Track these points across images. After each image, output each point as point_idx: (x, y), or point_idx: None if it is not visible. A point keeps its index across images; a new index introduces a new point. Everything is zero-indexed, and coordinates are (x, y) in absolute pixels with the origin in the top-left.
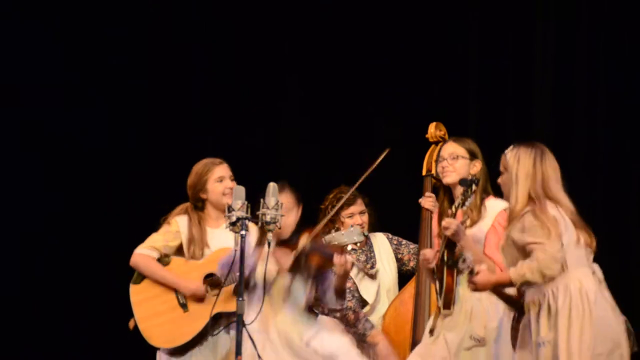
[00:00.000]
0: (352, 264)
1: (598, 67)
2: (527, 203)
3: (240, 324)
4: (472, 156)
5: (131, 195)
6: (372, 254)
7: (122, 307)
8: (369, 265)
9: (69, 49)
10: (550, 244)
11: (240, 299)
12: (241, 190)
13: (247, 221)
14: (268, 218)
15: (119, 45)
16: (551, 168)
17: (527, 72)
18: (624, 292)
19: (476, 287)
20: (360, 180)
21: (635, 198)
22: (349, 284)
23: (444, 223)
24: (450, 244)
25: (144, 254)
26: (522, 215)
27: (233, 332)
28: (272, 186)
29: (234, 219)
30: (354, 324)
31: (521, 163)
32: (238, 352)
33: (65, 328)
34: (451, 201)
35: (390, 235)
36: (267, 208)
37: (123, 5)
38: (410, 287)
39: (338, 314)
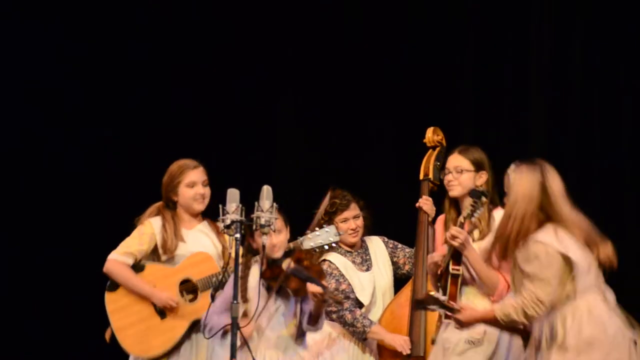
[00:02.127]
0: (324, 294)
1: (594, 71)
2: (533, 225)
3: (235, 327)
4: (478, 168)
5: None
6: (368, 257)
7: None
8: (340, 295)
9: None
10: (542, 286)
11: (235, 302)
12: (235, 193)
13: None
14: (263, 221)
15: (117, 45)
16: (556, 185)
17: (524, 76)
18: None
19: (462, 326)
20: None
21: (629, 204)
22: (344, 286)
23: (452, 232)
24: (456, 253)
25: (118, 261)
26: (529, 242)
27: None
28: (266, 189)
29: (228, 221)
30: (352, 324)
31: (523, 184)
32: (233, 355)
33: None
34: (458, 212)
35: (386, 239)
36: (262, 211)
37: (119, 8)
38: (407, 290)
39: (334, 315)
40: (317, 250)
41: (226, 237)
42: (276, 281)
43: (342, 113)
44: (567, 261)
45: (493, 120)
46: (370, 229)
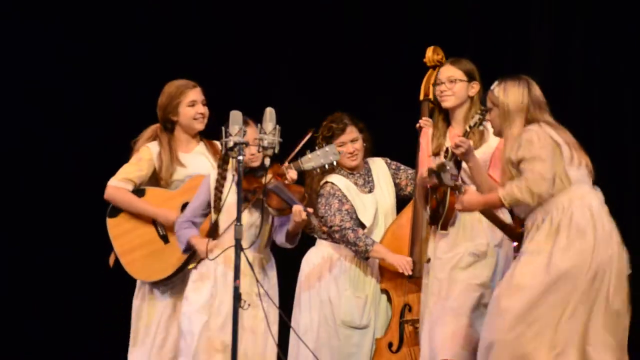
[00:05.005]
0: (308, 216)
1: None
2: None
3: (239, 249)
4: (470, 78)
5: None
6: (371, 179)
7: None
8: (323, 220)
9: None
10: (541, 163)
11: (238, 223)
12: (238, 115)
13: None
14: (265, 143)
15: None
16: (539, 96)
17: None
18: None
19: (463, 207)
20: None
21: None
22: (347, 207)
23: (457, 141)
24: (456, 163)
25: (118, 187)
26: (519, 134)
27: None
28: (269, 111)
29: (231, 144)
30: (354, 243)
31: (510, 95)
32: (236, 276)
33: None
34: (448, 124)
35: (389, 160)
36: (265, 133)
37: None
38: (408, 211)
39: (337, 235)
40: (319, 170)
41: None
42: (253, 195)
43: (342, 35)
44: (558, 146)
45: (495, 38)
46: (372, 151)
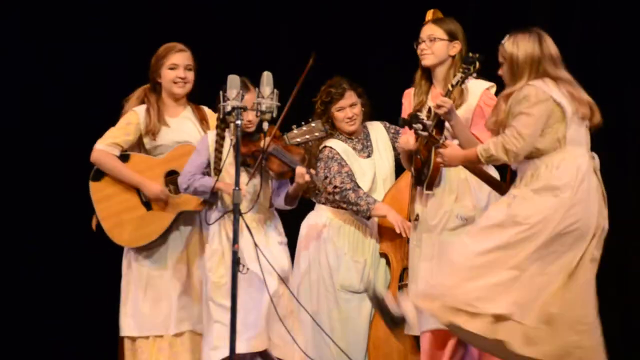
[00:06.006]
0: (311, 177)
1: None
2: None
3: (237, 213)
4: (451, 37)
5: None
6: (369, 143)
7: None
8: (326, 181)
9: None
10: (526, 120)
11: (236, 188)
12: (236, 79)
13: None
14: (264, 107)
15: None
16: (552, 49)
17: None
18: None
19: (444, 161)
20: (293, 94)
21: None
22: (346, 169)
23: (438, 101)
24: (439, 123)
25: (105, 151)
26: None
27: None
28: (266, 75)
29: (229, 108)
30: (356, 202)
31: (520, 48)
32: (235, 240)
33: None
34: (430, 83)
35: (388, 124)
36: (263, 97)
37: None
38: (407, 175)
39: (337, 197)
40: (303, 145)
41: (211, 123)
42: (253, 159)
43: None
44: (558, 106)
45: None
46: (370, 115)
